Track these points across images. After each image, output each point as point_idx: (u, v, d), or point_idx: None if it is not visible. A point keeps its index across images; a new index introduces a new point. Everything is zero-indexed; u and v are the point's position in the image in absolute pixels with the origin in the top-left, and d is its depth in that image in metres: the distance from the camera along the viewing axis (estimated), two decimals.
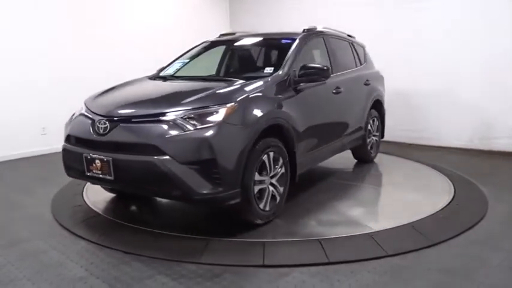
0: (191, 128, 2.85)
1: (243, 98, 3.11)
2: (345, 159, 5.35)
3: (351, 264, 2.68)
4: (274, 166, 3.31)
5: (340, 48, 4.81)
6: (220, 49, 4.73)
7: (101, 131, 3.08)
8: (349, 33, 5.28)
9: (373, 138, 5.38)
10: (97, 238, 3.12)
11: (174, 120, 2.89)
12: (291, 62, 3.72)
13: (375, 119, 5.39)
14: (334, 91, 4.26)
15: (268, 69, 3.72)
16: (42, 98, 6.15)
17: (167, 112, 2.95)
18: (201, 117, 2.91)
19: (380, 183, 4.72)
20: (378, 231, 3.12)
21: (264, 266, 2.67)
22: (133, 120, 3.04)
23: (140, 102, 3.35)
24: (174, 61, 4.64)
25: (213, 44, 4.72)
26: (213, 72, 4.62)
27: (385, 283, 2.46)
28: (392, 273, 2.57)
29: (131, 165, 2.93)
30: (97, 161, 3.03)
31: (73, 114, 3.59)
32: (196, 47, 4.75)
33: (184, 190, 2.82)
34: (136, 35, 7.37)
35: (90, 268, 2.68)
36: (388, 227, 3.21)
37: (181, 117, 2.90)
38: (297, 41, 3.98)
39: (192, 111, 2.94)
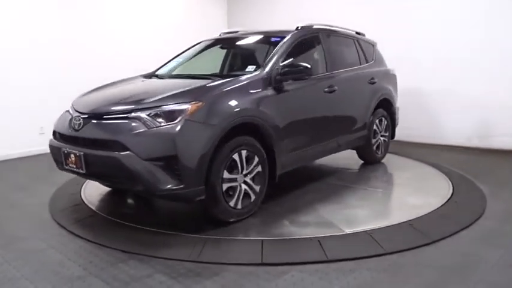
0: (155, 125, 2.92)
1: (210, 96, 3.15)
2: (351, 160, 5.26)
3: (350, 262, 2.68)
4: (247, 164, 3.31)
5: (341, 46, 4.75)
6: (218, 47, 4.72)
7: (76, 127, 3.25)
8: (358, 31, 5.18)
9: (381, 138, 5.22)
10: (95, 237, 3.12)
11: (140, 118, 2.97)
12: (275, 60, 3.70)
13: (383, 119, 5.22)
14: (326, 90, 4.17)
15: (251, 68, 3.75)
16: (41, 98, 6.14)
17: (134, 109, 3.04)
18: (166, 115, 2.96)
19: (376, 184, 4.45)
20: (376, 229, 3.12)
21: (262, 264, 2.67)
22: (104, 117, 3.16)
23: (116, 100, 3.39)
24: (171, 60, 4.66)
25: (209, 43, 4.72)
26: (210, 70, 4.61)
27: (383, 281, 2.47)
28: (391, 271, 2.57)
29: (99, 160, 3.05)
30: (72, 156, 3.21)
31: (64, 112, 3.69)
32: (194, 45, 4.76)
33: (146, 185, 2.92)
34: (136, 34, 7.38)
35: (89, 267, 2.67)
36: (387, 225, 3.21)
37: (147, 115, 2.97)
38: (284, 39, 3.96)
39: (157, 109, 3.00)
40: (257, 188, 3.42)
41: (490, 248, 2.87)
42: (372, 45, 5.32)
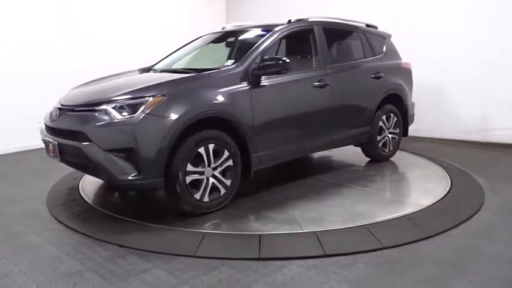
0: (117, 118, 3.02)
1: (172, 90, 3.20)
2: (359, 157, 5.05)
3: (347, 256, 2.67)
4: (216, 158, 3.34)
5: (340, 40, 4.66)
6: (219, 41, 4.68)
7: (54, 118, 3.49)
8: (370, 23, 5.03)
9: (389, 135, 4.98)
10: (93, 232, 3.11)
11: (105, 110, 3.08)
12: (254, 55, 3.67)
13: (391, 115, 4.96)
14: (315, 84, 4.05)
15: (229, 62, 3.74)
16: (39, 92, 6.10)
17: (102, 102, 3.15)
18: (129, 108, 3.06)
19: (369, 183, 4.17)
20: (375, 223, 3.11)
21: (260, 259, 2.66)
22: (75, 109, 3.34)
23: (93, 93, 3.51)
24: (171, 54, 4.66)
25: (212, 37, 4.68)
26: (213, 64, 4.58)
27: (381, 275, 2.47)
28: (389, 265, 2.57)
29: (69, 150, 3.24)
30: (50, 145, 3.46)
31: None
32: (196, 39, 4.75)
33: (107, 175, 3.05)
34: (135, 30, 7.34)
35: (86, 262, 2.66)
36: (385, 219, 3.21)
37: (113, 107, 3.07)
38: (268, 34, 3.93)
39: (122, 102, 3.10)
40: (227, 182, 3.44)
41: (488, 242, 2.87)
42: (384, 37, 5.10)
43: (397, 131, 5.11)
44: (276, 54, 4.10)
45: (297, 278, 2.43)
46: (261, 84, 3.62)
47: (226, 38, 4.65)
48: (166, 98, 3.11)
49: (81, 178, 4.42)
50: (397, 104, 5.04)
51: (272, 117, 3.72)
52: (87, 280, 2.45)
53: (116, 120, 3.01)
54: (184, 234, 3.04)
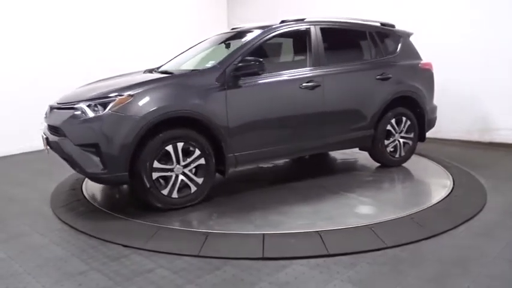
0: (90, 116, 3.25)
1: (140, 90, 3.35)
2: (370, 161, 4.86)
3: (350, 256, 2.68)
4: (186, 157, 3.46)
5: (340, 40, 4.53)
6: (227, 41, 4.64)
7: (46, 115, 3.82)
8: (385, 21, 4.80)
9: (400, 140, 4.70)
10: (97, 232, 3.13)
11: (81, 108, 3.31)
12: (235, 56, 3.69)
13: (403, 118, 4.66)
14: (304, 85, 3.96)
15: (210, 63, 3.78)
16: (43, 93, 6.09)
17: (80, 101, 3.40)
18: (100, 106, 3.27)
19: (358, 191, 3.92)
20: (378, 223, 3.13)
21: (263, 258, 2.68)
22: (61, 107, 3.57)
23: (80, 92, 3.75)
24: (179, 55, 4.72)
25: (217, 37, 4.68)
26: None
27: (384, 274, 2.48)
28: (392, 264, 2.58)
29: (53, 144, 3.53)
30: (42, 138, 3.78)
31: None
32: (204, 41, 4.77)
33: (79, 168, 3.33)
34: (137, 29, 7.39)
35: (91, 262, 2.68)
36: (388, 219, 3.22)
37: (87, 106, 3.30)
38: (253, 35, 3.94)
39: (96, 101, 3.31)
40: (199, 180, 3.53)
41: (490, 241, 2.88)
42: (399, 37, 4.82)
43: (411, 135, 4.80)
44: (267, 56, 4.15)
45: (300, 277, 2.45)
46: (238, 85, 3.64)
47: (235, 38, 4.64)
48: (133, 97, 3.28)
49: (84, 179, 4.44)
50: (412, 107, 4.76)
51: (251, 118, 3.73)
52: (91, 280, 2.46)
53: (84, 118, 3.27)
54: (188, 234, 3.06)
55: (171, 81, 3.57)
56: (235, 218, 3.32)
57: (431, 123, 5.04)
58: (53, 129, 3.57)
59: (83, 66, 6.51)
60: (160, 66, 4.53)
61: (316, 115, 4.11)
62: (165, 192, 3.42)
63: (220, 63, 3.67)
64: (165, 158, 3.40)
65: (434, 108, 5.05)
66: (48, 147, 3.69)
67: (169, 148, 3.38)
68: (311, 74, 4.06)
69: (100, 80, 4.21)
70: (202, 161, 3.52)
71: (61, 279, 2.49)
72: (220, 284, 2.39)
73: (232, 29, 4.85)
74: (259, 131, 3.80)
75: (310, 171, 4.86)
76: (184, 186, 3.49)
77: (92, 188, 4.20)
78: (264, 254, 2.72)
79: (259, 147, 3.83)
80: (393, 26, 4.90)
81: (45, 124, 3.83)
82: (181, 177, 3.47)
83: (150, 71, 4.34)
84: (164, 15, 7.83)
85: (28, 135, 6.03)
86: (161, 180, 3.42)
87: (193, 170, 3.52)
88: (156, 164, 3.35)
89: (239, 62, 3.64)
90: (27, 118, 6.00)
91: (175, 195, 3.46)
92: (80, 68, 6.47)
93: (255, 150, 3.80)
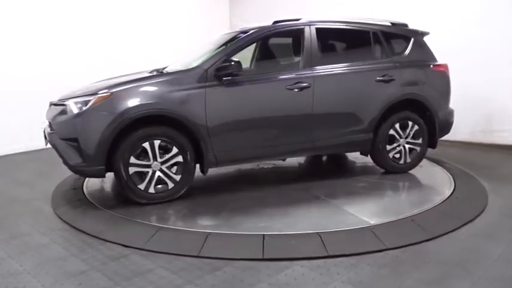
0: (74, 112, 3.46)
1: (119, 89, 3.52)
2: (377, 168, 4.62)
3: (351, 257, 2.68)
4: (164, 154, 3.58)
5: (339, 40, 4.46)
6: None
7: (47, 111, 3.98)
8: (395, 21, 4.58)
9: (405, 146, 4.44)
10: (97, 232, 3.13)
11: (69, 105, 3.53)
12: (218, 57, 3.73)
13: (409, 123, 4.40)
14: (290, 86, 3.87)
15: (195, 64, 3.82)
16: (44, 93, 6.09)
17: (69, 98, 3.60)
18: (84, 104, 3.47)
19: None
20: (378, 224, 3.12)
21: (263, 259, 2.67)
22: (57, 103, 3.76)
23: (80, 89, 3.86)
24: (185, 55, 4.68)
25: (224, 37, 4.61)
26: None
27: (384, 276, 2.47)
28: (392, 266, 2.58)
29: (48, 138, 3.74)
30: (44, 134, 3.94)
31: None
32: (212, 40, 4.73)
33: (63, 159, 3.57)
34: (140, 29, 7.39)
35: (91, 262, 2.68)
36: (388, 220, 3.21)
37: (74, 103, 3.50)
38: (240, 36, 3.96)
39: (81, 98, 3.51)
40: (177, 177, 3.65)
41: (491, 243, 2.87)
42: (409, 37, 4.56)
43: (419, 141, 4.50)
44: (259, 57, 4.16)
45: (300, 278, 2.44)
46: (219, 85, 3.67)
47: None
48: (112, 96, 3.45)
49: (85, 178, 4.44)
50: (422, 111, 4.48)
51: (231, 118, 3.75)
52: (91, 280, 2.46)
53: (67, 114, 3.50)
54: (187, 234, 3.05)
55: (154, 80, 3.66)
56: (240, 217, 3.31)
57: (446, 129, 4.73)
58: (48, 124, 3.81)
59: (83, 67, 6.48)
60: (166, 66, 4.51)
61: (304, 117, 3.99)
62: (141, 187, 3.56)
63: (203, 63, 3.73)
64: (144, 154, 3.54)
65: (449, 113, 4.71)
66: (45, 140, 3.89)
67: (146, 145, 3.51)
68: (300, 75, 3.96)
69: (106, 79, 4.19)
70: (180, 158, 3.62)
71: (61, 278, 2.49)
72: (219, 284, 2.39)
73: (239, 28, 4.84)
74: (240, 131, 3.81)
75: (322, 172, 4.89)
76: (161, 182, 3.63)
77: (93, 188, 4.20)
78: (264, 255, 2.72)
79: (241, 147, 3.85)
80: (405, 26, 4.66)
81: (46, 121, 3.96)
82: (158, 173, 3.59)
83: (157, 70, 4.31)
84: (169, 15, 7.83)
85: (28, 135, 6.05)
86: (138, 176, 3.56)
87: (173, 168, 3.63)
88: (132, 160, 3.50)
89: (222, 63, 3.68)
90: (27, 118, 6.00)
91: (152, 190, 3.60)
92: (80, 68, 6.44)
93: (236, 151, 3.84)
